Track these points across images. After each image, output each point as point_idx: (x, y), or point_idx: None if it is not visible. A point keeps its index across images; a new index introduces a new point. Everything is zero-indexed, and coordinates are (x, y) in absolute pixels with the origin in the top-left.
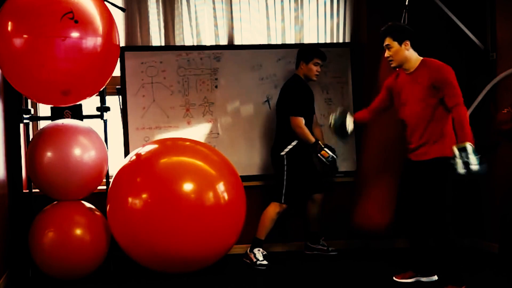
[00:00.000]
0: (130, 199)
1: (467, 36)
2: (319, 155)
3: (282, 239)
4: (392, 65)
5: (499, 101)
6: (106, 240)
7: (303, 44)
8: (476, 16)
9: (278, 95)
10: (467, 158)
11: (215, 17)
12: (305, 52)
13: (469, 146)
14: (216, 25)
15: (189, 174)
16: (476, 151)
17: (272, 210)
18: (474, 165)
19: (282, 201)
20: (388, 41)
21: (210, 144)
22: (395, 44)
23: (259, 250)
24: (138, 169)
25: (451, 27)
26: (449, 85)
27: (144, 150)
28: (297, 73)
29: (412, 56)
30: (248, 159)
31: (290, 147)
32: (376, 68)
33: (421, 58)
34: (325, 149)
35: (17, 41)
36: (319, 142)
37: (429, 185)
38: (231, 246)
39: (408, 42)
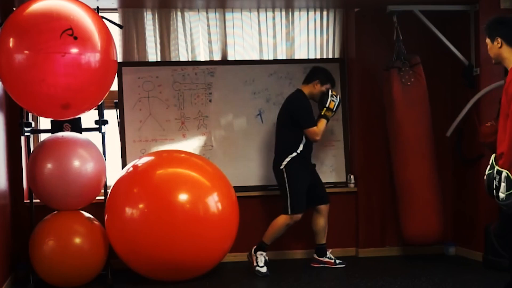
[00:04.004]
0: (127, 209)
1: (452, 52)
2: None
3: (284, 247)
4: (493, 62)
5: (483, 115)
6: (104, 249)
7: (294, 59)
8: (460, 33)
9: (280, 109)
10: (499, 183)
11: (209, 33)
12: (324, 75)
13: (505, 174)
14: (210, 41)
15: (184, 185)
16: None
17: (282, 221)
18: (502, 193)
19: (289, 212)
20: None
21: (204, 156)
22: (489, 42)
23: (261, 254)
24: (135, 180)
25: (437, 43)
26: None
27: (140, 161)
28: (301, 89)
29: (507, 54)
30: (240, 170)
31: (288, 159)
32: (364, 82)
33: None
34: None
35: (19, 57)
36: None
37: None
38: (225, 254)
39: (500, 39)
